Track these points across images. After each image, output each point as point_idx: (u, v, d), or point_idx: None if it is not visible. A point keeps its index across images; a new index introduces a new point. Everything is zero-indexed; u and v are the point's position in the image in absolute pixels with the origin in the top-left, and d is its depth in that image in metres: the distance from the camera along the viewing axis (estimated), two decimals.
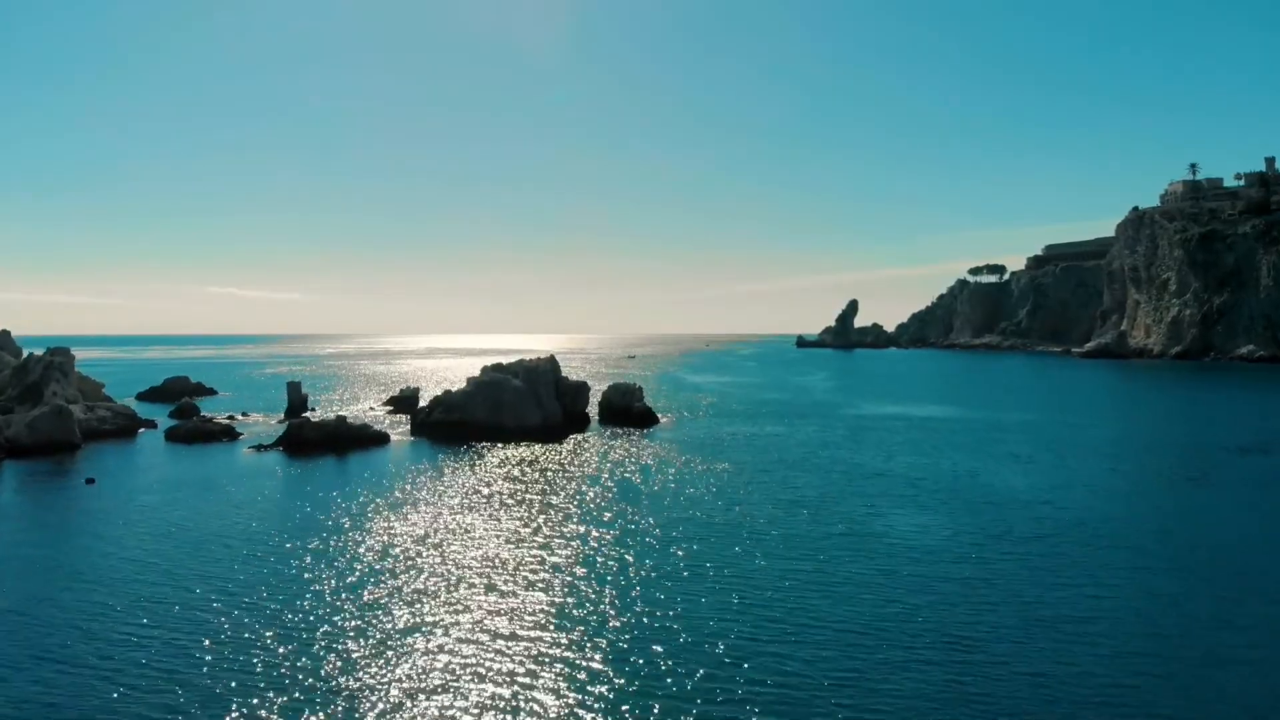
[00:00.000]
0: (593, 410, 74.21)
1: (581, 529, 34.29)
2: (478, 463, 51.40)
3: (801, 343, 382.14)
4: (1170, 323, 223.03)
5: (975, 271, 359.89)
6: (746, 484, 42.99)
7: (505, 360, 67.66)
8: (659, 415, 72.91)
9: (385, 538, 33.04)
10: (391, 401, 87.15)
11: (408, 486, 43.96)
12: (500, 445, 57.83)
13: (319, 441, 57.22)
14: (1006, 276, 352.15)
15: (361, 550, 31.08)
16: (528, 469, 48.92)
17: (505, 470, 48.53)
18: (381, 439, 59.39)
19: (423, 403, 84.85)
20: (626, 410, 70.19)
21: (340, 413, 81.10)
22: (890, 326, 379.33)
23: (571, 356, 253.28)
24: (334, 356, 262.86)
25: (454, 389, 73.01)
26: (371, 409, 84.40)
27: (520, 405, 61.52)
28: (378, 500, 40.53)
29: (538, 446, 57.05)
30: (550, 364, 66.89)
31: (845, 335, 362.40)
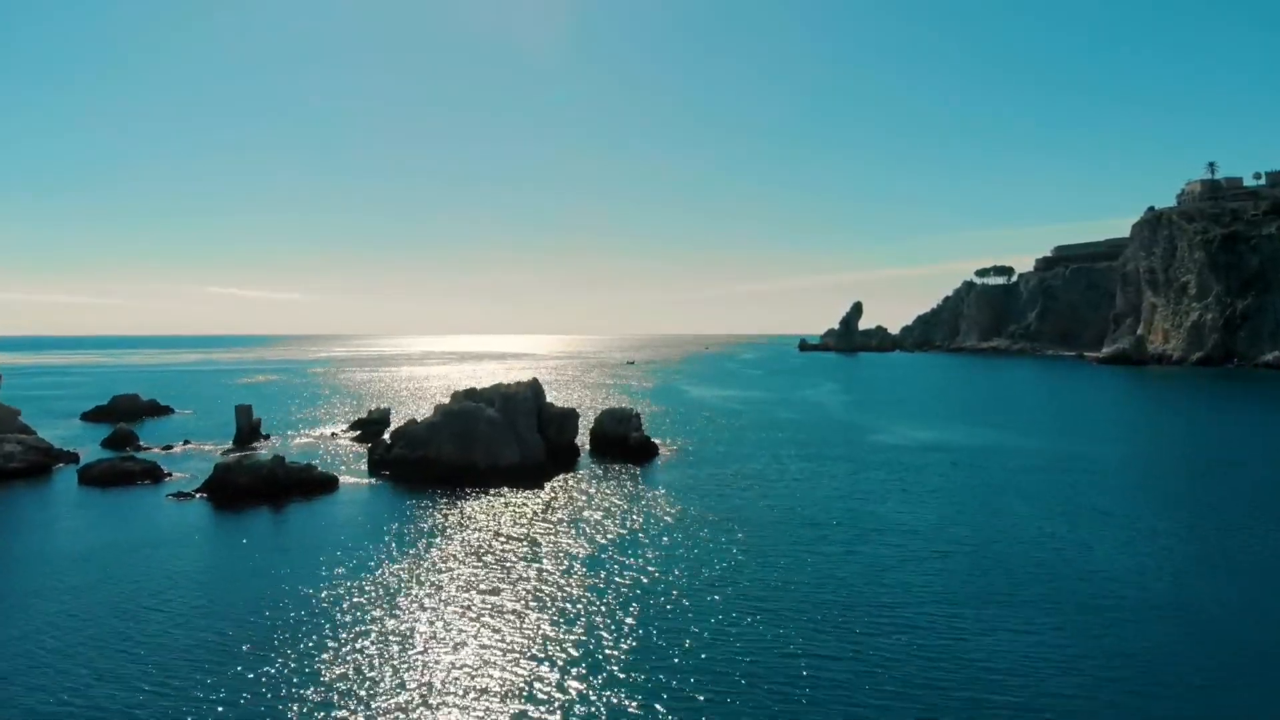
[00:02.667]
0: (584, 438, 64.85)
1: (539, 646, 24.78)
2: (435, 520, 41.86)
3: (804, 346, 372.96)
4: (1191, 327, 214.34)
5: (982, 273, 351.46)
6: (764, 564, 33.44)
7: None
8: (658, 444, 63.43)
9: (295, 662, 23.51)
10: (359, 425, 77.66)
11: (343, 562, 34.42)
12: (469, 491, 48.33)
13: (251, 488, 47.71)
14: (1014, 278, 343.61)
15: (264, 678, 21.58)
16: (493, 531, 39.40)
17: (465, 535, 38.96)
18: (328, 484, 49.88)
19: (394, 426, 75.47)
20: (622, 441, 60.71)
21: (299, 439, 71.91)
22: (891, 327, 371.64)
23: (569, 361, 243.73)
24: (322, 362, 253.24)
25: (422, 416, 63.62)
26: (334, 435, 74.90)
27: (495, 440, 52.03)
28: (301, 589, 30.95)
29: (510, 494, 47.53)
30: (531, 390, 57.31)
31: (849, 338, 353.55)
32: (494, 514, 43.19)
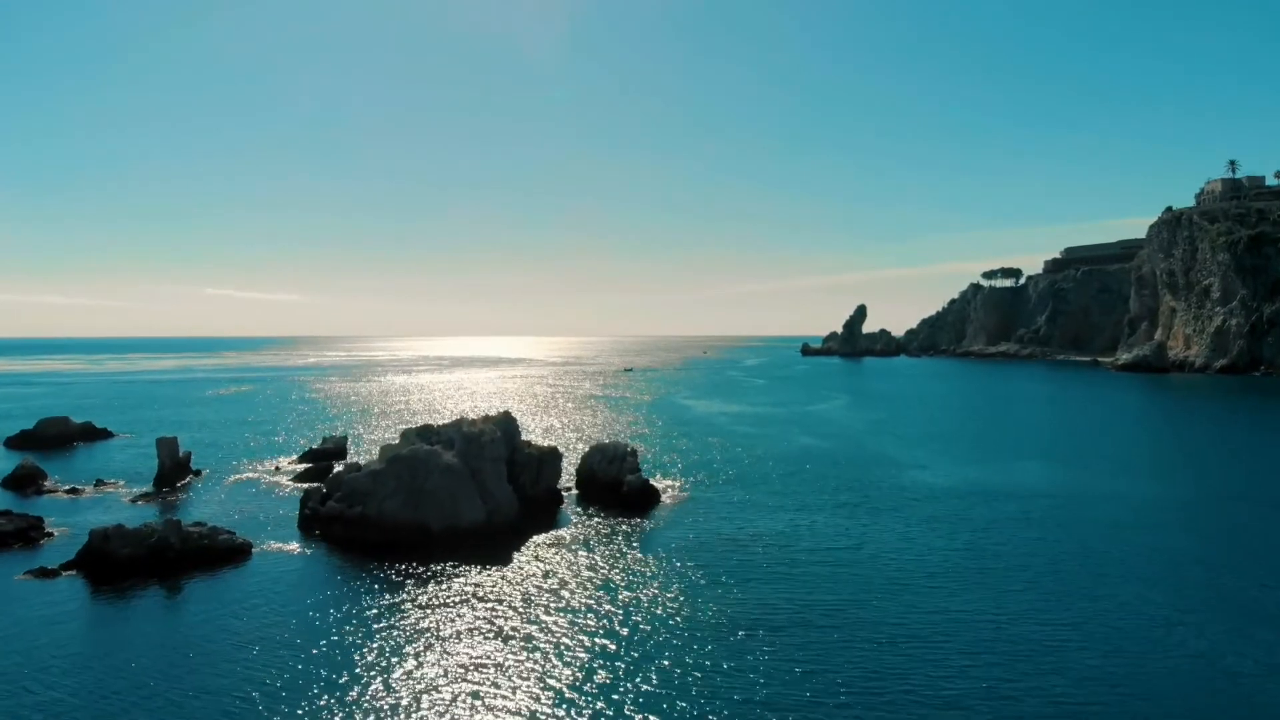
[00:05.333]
0: (570, 476, 54.30)
1: None
2: (363, 610, 31.21)
3: (806, 350, 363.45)
4: (1214, 333, 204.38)
5: (989, 275, 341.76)
6: None
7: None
8: (659, 487, 52.65)
9: None
10: (310, 456, 66.93)
11: (231, 679, 23.83)
12: (416, 564, 37.67)
13: (135, 561, 37.08)
14: (1022, 280, 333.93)
15: None
16: (438, 630, 28.76)
17: (401, 634, 28.28)
18: (237, 553, 39.16)
19: (351, 459, 65.01)
20: (614, 486, 50.04)
21: (235, 476, 61.07)
22: (892, 329, 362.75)
23: (565, 368, 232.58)
24: (306, 369, 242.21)
25: (383, 448, 53.01)
26: (278, 469, 64.09)
27: (453, 494, 41.32)
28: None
29: (468, 569, 36.76)
30: (501, 427, 46.46)
31: (853, 342, 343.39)
32: (443, 601, 32.62)
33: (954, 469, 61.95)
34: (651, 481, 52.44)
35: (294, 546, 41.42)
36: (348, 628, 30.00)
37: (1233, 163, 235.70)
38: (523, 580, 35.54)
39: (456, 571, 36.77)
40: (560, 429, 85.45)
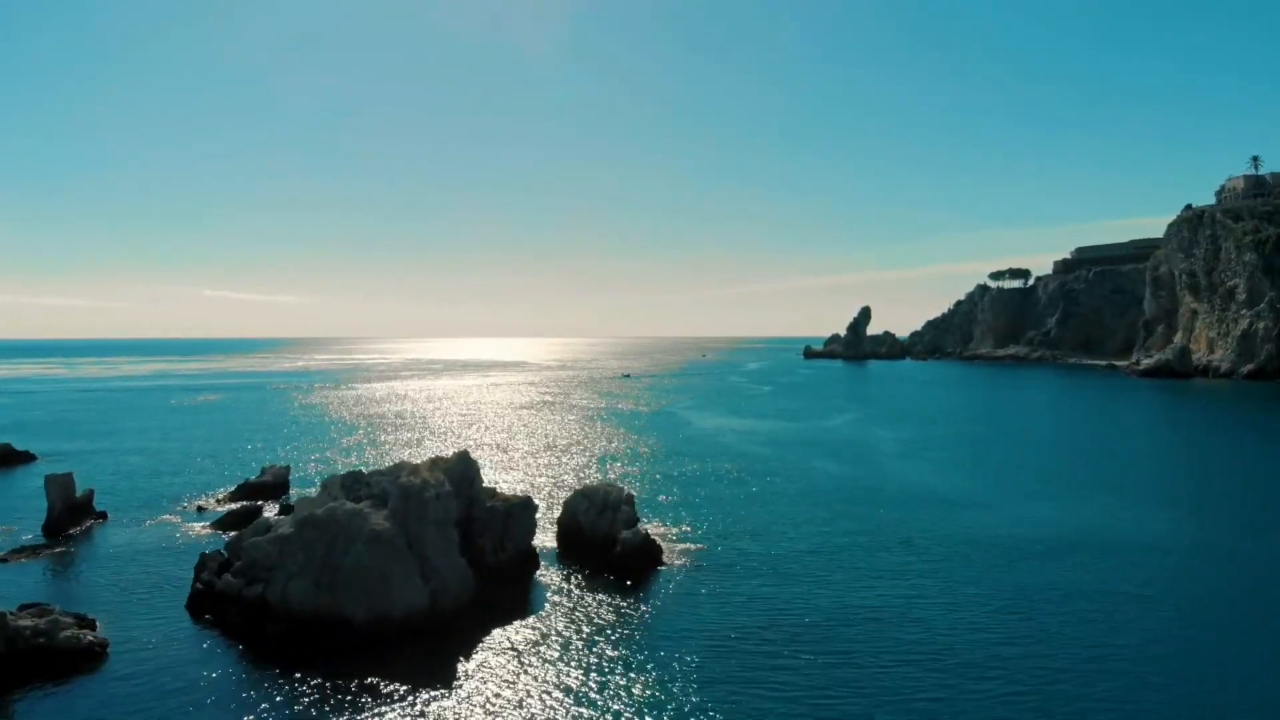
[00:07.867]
0: (548, 526, 43.80)
1: None
2: None
3: (809, 352, 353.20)
4: (1241, 337, 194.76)
5: (997, 276, 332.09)
6: None
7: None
8: (661, 541, 41.96)
9: None
10: (243, 492, 56.18)
11: None
12: (326, 681, 27.04)
13: None
14: (1031, 281, 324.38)
15: None
16: None
17: None
18: (86, 656, 28.50)
19: (291, 495, 54.61)
20: (606, 544, 39.40)
21: (143, 523, 49.95)
22: (895, 330, 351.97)
23: (560, 374, 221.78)
24: (289, 375, 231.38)
25: (314, 494, 42.41)
26: (201, 510, 53.23)
27: (382, 572, 30.60)
28: None
29: (382, 697, 26.18)
30: (453, 475, 35.52)
31: (857, 345, 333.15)
32: None
33: (1025, 510, 50.85)
34: (651, 533, 41.79)
35: (173, 640, 30.64)
36: None
37: (1256, 159, 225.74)
38: (469, 710, 24.97)
39: (380, 690, 26.21)
40: (541, 456, 74.19)
